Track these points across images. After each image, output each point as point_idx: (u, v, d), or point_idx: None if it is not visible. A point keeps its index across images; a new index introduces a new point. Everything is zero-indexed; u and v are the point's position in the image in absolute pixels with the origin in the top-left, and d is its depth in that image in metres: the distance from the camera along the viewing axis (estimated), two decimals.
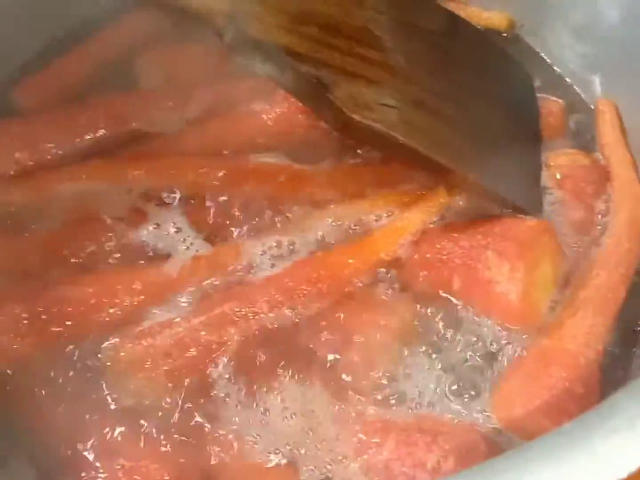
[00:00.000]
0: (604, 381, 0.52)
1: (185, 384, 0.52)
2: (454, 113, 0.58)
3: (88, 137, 0.64)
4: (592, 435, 0.31)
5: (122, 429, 0.51)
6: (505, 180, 0.59)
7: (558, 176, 0.62)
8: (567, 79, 0.70)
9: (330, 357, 0.54)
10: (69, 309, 0.54)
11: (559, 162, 0.63)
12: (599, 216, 0.60)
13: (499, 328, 0.54)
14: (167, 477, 0.49)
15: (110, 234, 0.60)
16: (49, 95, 0.69)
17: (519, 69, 0.68)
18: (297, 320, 0.55)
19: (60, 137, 0.64)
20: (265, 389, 0.52)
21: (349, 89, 0.54)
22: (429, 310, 0.55)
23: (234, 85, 0.67)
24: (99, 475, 0.49)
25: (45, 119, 0.65)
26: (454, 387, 0.52)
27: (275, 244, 0.59)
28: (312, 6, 0.55)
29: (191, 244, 0.60)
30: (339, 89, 0.53)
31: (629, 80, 0.64)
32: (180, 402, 0.52)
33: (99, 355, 0.53)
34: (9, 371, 0.54)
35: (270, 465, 0.49)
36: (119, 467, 0.49)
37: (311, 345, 0.54)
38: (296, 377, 0.52)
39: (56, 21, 0.71)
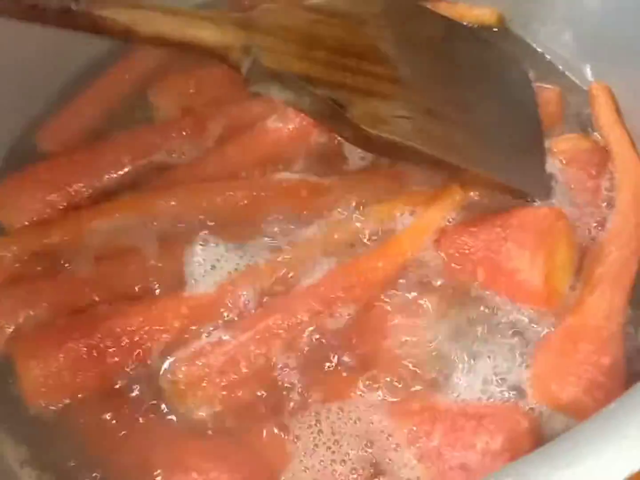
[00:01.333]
0: (627, 350, 0.56)
1: (243, 396, 0.56)
2: (462, 115, 0.62)
3: (114, 173, 0.68)
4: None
5: (190, 445, 0.55)
6: (515, 171, 0.63)
7: (563, 161, 0.66)
8: (560, 67, 0.74)
9: (368, 357, 0.58)
10: (124, 339, 0.58)
11: (562, 147, 0.67)
12: (605, 194, 0.64)
13: (527, 312, 0.58)
14: None
15: (148, 263, 0.63)
16: (71, 135, 0.72)
17: (515, 63, 0.71)
18: (338, 327, 0.59)
19: (87, 176, 0.67)
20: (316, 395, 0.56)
21: (364, 106, 0.57)
22: (460, 302, 0.59)
23: (247, 107, 0.71)
24: None
25: (71, 160, 0.69)
26: (493, 372, 0.56)
27: (305, 255, 0.63)
28: (317, 31, 0.59)
29: (226, 261, 0.63)
30: (354, 107, 0.56)
31: (618, 65, 0.68)
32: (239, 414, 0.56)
33: (158, 381, 0.57)
34: (73, 404, 0.57)
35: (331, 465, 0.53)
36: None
37: (352, 348, 0.58)
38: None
39: (69, 62, 0.74)
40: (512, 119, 0.66)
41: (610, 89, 0.69)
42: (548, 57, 0.75)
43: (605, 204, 0.64)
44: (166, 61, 0.74)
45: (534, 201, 0.63)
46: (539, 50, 0.76)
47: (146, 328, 0.59)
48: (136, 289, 0.63)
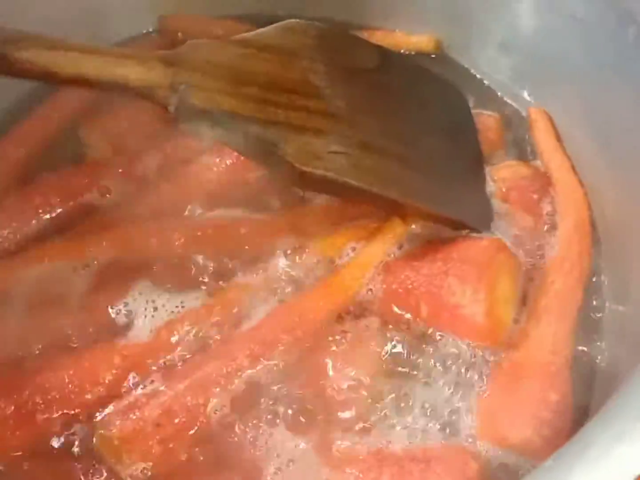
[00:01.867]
0: (574, 382, 0.55)
1: (180, 450, 0.54)
2: (400, 147, 0.60)
3: (44, 216, 0.65)
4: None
5: None
6: (456, 203, 0.62)
7: (503, 189, 0.65)
8: (499, 93, 0.74)
9: (310, 402, 0.55)
10: (53, 395, 0.55)
11: (502, 175, 0.66)
12: (547, 219, 0.63)
13: (471, 348, 0.56)
14: None
15: (79, 312, 0.60)
16: None
17: (453, 90, 0.71)
18: (278, 369, 0.57)
19: (15, 221, 0.64)
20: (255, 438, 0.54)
21: (297, 142, 0.55)
22: (402, 340, 0.58)
23: (181, 143, 0.69)
24: None
25: None
26: (438, 412, 0.54)
27: (245, 295, 0.61)
28: (248, 67, 0.57)
29: (162, 305, 0.61)
30: (287, 144, 0.54)
31: (555, 89, 0.68)
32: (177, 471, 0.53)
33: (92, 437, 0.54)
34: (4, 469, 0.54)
35: None
36: None
37: (293, 392, 0.56)
38: (284, 425, 0.54)
39: None
40: (452, 148, 0.65)
41: (549, 114, 0.69)
42: (487, 82, 0.75)
43: (547, 228, 0.63)
44: (96, 97, 0.72)
45: (477, 231, 0.62)
46: (477, 76, 0.75)
47: (77, 382, 0.56)
48: (69, 339, 0.59)
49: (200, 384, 0.55)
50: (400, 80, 0.66)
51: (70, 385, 0.56)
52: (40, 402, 0.55)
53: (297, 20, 0.61)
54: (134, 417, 0.54)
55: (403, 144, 0.61)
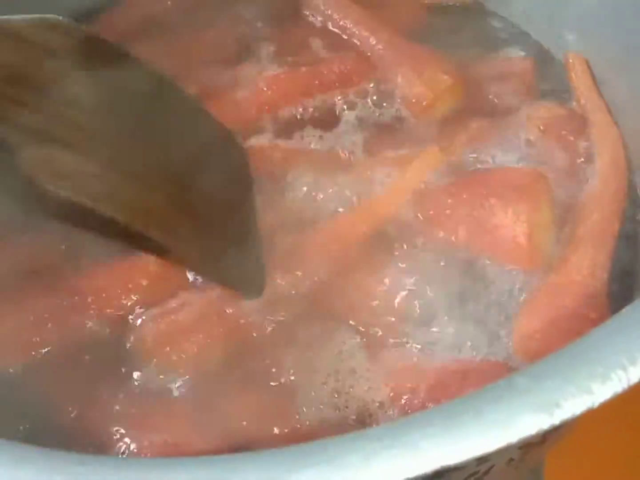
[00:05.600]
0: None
1: (214, 356, 0.53)
2: (168, 186, 0.54)
3: None
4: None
5: (158, 407, 0.51)
6: (226, 263, 0.56)
7: (540, 127, 0.65)
8: (535, 37, 0.74)
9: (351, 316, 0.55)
10: (90, 298, 0.55)
11: (539, 114, 0.66)
12: (583, 160, 0.64)
13: (510, 270, 0.56)
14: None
15: None
16: None
17: (235, 145, 0.64)
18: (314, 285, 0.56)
19: None
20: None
21: (40, 152, 0.46)
22: (438, 262, 0.57)
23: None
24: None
25: None
26: (475, 329, 0.54)
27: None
28: None
29: None
30: (26, 152, 0.45)
31: (590, 32, 0.68)
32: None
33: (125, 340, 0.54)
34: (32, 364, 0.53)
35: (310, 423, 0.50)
36: (155, 440, 0.49)
37: (332, 306, 0.55)
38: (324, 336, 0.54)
39: None
40: (226, 198, 0.59)
41: (586, 59, 0.69)
42: (523, 27, 0.75)
43: (584, 165, 0.63)
44: None
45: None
46: (513, 21, 0.76)
47: (113, 287, 0.56)
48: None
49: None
50: (173, 116, 0.58)
51: (106, 290, 0.56)
52: (74, 304, 0.55)
53: (62, 18, 0.51)
54: (169, 321, 0.54)
55: (172, 183, 0.54)
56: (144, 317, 0.55)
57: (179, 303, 0.55)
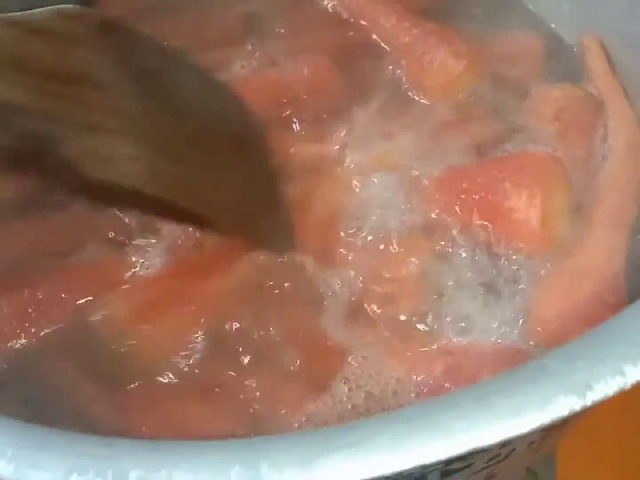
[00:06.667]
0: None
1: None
2: (194, 152, 0.54)
3: None
4: None
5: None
6: (259, 221, 0.57)
7: (555, 109, 0.64)
8: (546, 18, 0.73)
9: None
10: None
11: (554, 95, 0.65)
12: (600, 142, 0.63)
13: (525, 255, 0.56)
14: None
15: None
16: None
17: (243, 107, 0.62)
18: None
19: None
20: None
21: (83, 142, 0.47)
22: (454, 247, 0.57)
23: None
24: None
25: None
26: (491, 312, 0.53)
27: None
28: (16, 50, 0.46)
29: None
30: (70, 144, 0.46)
31: (607, 17, 0.67)
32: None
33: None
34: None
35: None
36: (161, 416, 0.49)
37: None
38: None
39: None
40: (243, 162, 0.59)
41: (601, 41, 0.68)
42: (532, 8, 0.74)
43: (600, 148, 0.62)
44: None
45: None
46: (525, 2, 0.75)
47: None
48: None
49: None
50: (189, 86, 0.58)
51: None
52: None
53: (74, 6, 0.51)
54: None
55: (195, 148, 0.54)
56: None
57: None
